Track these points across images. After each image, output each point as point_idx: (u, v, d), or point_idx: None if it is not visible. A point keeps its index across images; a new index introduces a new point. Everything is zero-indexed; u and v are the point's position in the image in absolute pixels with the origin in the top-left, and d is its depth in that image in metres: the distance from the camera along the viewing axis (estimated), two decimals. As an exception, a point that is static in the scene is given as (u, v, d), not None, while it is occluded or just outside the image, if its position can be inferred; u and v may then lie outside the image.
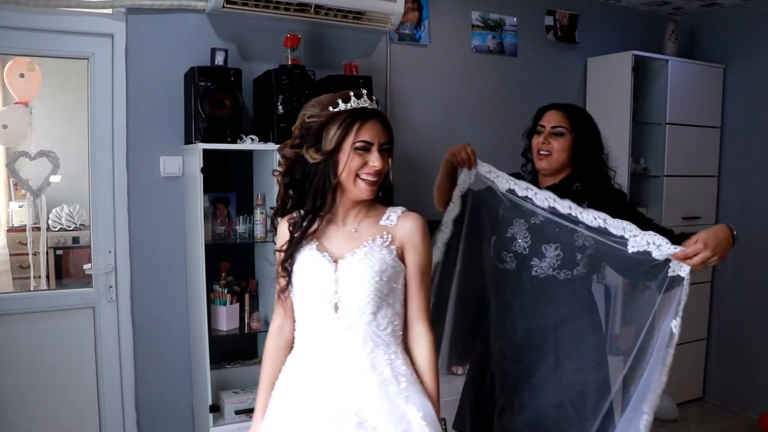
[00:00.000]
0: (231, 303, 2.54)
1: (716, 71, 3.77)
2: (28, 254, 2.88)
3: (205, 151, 2.37)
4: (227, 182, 2.67)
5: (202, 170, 2.36)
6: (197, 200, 2.39)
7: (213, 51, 2.51)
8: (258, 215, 2.56)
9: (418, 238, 1.44)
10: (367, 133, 1.37)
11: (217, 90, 2.41)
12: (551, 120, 1.84)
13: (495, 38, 3.36)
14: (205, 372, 2.42)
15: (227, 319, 2.53)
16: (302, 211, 1.44)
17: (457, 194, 1.89)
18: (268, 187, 2.53)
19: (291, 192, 1.46)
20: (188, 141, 2.53)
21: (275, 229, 1.53)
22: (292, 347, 1.51)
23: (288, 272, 1.43)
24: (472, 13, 3.28)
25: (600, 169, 1.85)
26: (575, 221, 1.64)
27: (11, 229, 3.19)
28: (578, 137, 1.82)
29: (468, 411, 1.95)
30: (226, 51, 2.52)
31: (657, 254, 1.53)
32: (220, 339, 2.53)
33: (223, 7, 2.49)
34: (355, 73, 2.77)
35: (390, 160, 1.44)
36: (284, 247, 1.44)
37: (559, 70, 3.60)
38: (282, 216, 1.49)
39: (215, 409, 2.45)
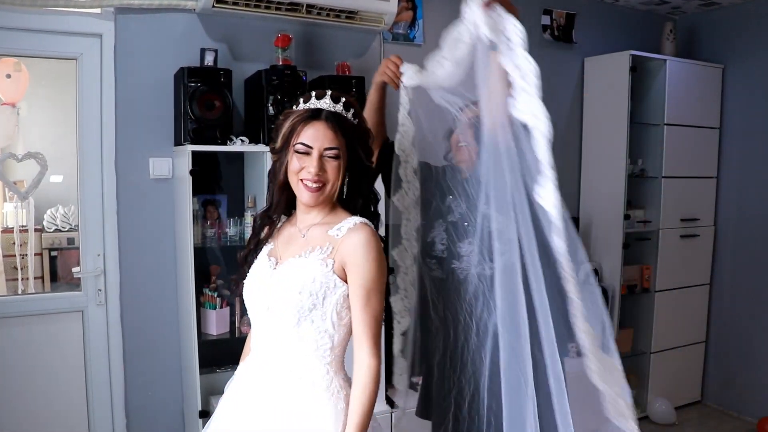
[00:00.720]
0: (221, 307, 2.51)
1: (715, 71, 3.74)
2: (20, 257, 2.85)
3: (195, 153, 2.34)
4: (218, 184, 2.64)
5: (191, 172, 2.32)
6: (186, 202, 2.36)
7: (203, 51, 2.48)
8: (249, 218, 2.52)
9: (360, 255, 1.32)
10: (308, 136, 1.33)
11: (207, 91, 2.38)
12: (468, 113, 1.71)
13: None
14: (195, 376, 2.39)
15: (217, 323, 2.50)
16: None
17: (403, 114, 1.78)
18: (259, 190, 2.50)
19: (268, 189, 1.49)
20: (178, 142, 2.49)
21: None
22: None
23: (242, 270, 1.47)
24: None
25: None
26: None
27: (5, 231, 3.16)
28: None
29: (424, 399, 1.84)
30: (216, 51, 2.49)
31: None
32: (209, 343, 2.50)
33: (213, 6, 2.46)
34: (347, 73, 2.73)
35: (339, 168, 1.35)
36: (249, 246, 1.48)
37: (556, 70, 3.56)
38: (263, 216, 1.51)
39: (205, 414, 2.42)
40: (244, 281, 1.44)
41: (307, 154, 1.34)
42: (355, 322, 1.34)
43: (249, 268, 1.44)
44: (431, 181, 1.74)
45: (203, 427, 2.36)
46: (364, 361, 1.31)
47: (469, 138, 1.63)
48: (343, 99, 1.37)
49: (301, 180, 1.35)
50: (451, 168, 1.72)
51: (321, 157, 1.33)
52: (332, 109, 1.35)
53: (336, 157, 1.34)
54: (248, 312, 1.45)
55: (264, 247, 1.46)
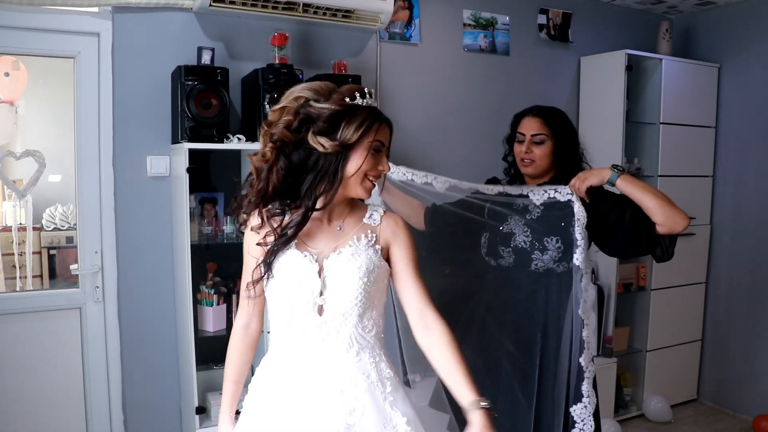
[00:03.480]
0: (218, 304, 2.53)
1: (711, 70, 3.75)
2: (18, 255, 2.86)
3: (192, 151, 2.35)
4: (215, 182, 2.65)
5: (188, 170, 2.34)
6: (184, 200, 2.37)
7: (200, 50, 2.49)
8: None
9: (403, 234, 1.43)
10: (384, 135, 1.36)
11: (204, 89, 2.39)
12: (530, 127, 1.88)
13: (487, 37, 3.34)
14: (192, 373, 2.40)
15: (214, 319, 2.51)
16: (286, 204, 1.35)
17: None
18: (256, 187, 2.51)
19: (282, 179, 1.33)
20: (175, 140, 2.51)
21: (243, 221, 1.42)
22: (256, 345, 1.50)
23: (268, 269, 1.35)
24: (463, 11, 3.26)
25: (579, 167, 1.93)
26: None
27: (4, 229, 3.17)
28: (558, 141, 1.88)
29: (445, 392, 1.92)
30: (213, 50, 2.50)
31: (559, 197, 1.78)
32: (206, 340, 2.51)
33: (210, 5, 2.47)
34: (344, 72, 2.75)
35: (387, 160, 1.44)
36: (268, 240, 1.34)
37: (552, 69, 3.58)
38: (265, 205, 1.35)
39: (202, 410, 2.44)
40: (273, 280, 1.36)
41: (380, 152, 1.36)
42: (411, 291, 1.41)
43: (271, 265, 1.36)
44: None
45: (200, 423, 2.40)
46: (437, 322, 1.39)
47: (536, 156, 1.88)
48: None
49: (368, 177, 1.36)
50: (513, 171, 1.99)
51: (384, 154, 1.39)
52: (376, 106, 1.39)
53: (385, 154, 1.41)
54: (281, 311, 1.38)
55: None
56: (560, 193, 1.77)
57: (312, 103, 1.31)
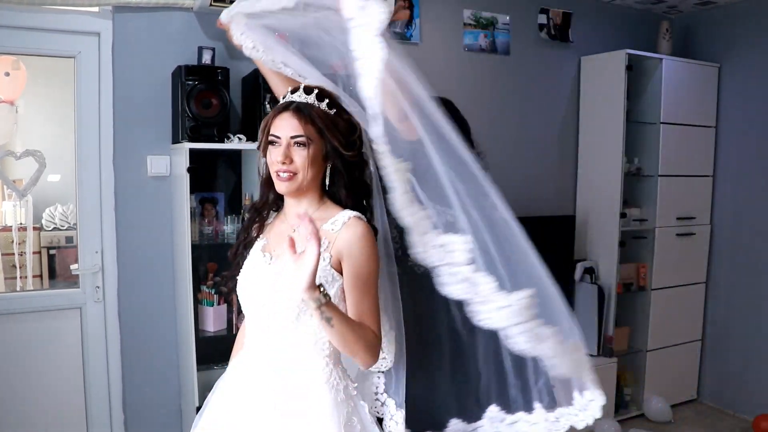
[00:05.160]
0: (218, 304, 2.53)
1: (711, 70, 3.75)
2: (18, 254, 2.86)
3: (192, 151, 2.35)
4: (215, 182, 2.65)
5: (189, 170, 2.34)
6: (184, 200, 2.37)
7: (200, 49, 2.49)
8: (246, 216, 2.53)
9: (356, 248, 1.32)
10: (276, 127, 1.34)
11: (204, 89, 2.39)
12: None
13: (487, 37, 3.34)
14: (192, 373, 2.40)
15: (214, 319, 2.51)
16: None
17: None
18: (256, 187, 2.50)
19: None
20: (175, 140, 2.51)
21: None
22: None
23: (235, 267, 1.46)
24: (463, 11, 3.26)
25: None
26: None
27: (4, 229, 3.17)
28: None
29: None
30: (213, 49, 2.51)
31: None
32: (207, 340, 2.51)
33: (211, 5, 2.47)
34: (342, 72, 2.74)
35: (308, 156, 1.32)
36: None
37: (553, 68, 3.58)
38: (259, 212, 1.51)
39: (202, 410, 2.43)
40: (238, 277, 1.43)
41: (275, 144, 1.35)
42: (355, 312, 1.33)
43: (241, 264, 1.44)
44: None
45: (200, 423, 2.40)
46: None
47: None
48: (316, 90, 1.35)
49: (275, 171, 1.36)
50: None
51: (288, 146, 1.33)
52: (303, 100, 1.34)
53: (303, 145, 1.33)
54: (243, 307, 1.45)
55: (256, 242, 1.45)
56: None
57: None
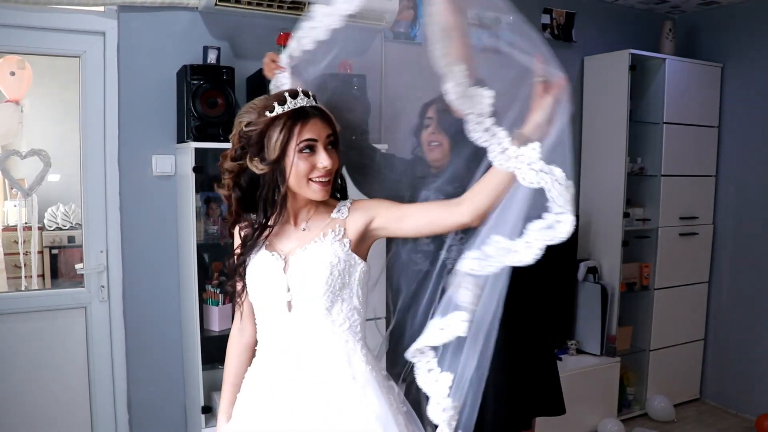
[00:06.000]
0: (223, 303, 2.52)
1: (714, 70, 3.76)
2: (22, 254, 2.86)
3: (198, 150, 2.35)
4: (220, 181, 2.64)
5: (195, 169, 2.34)
6: (189, 200, 2.37)
7: (205, 49, 2.49)
8: (251, 215, 2.53)
9: (374, 202, 1.43)
10: (312, 131, 1.32)
11: (210, 88, 2.39)
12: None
13: (491, 37, 3.33)
14: (198, 372, 2.40)
15: (219, 319, 2.51)
16: (252, 216, 1.41)
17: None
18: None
19: (238, 205, 1.42)
20: (180, 140, 2.51)
21: (231, 236, 1.50)
22: (254, 348, 1.50)
23: (242, 276, 1.42)
24: (467, 11, 3.25)
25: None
26: None
27: (6, 228, 3.17)
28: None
29: None
30: (218, 49, 2.50)
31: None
32: (212, 339, 2.50)
33: (216, 4, 2.47)
34: (349, 71, 2.74)
35: (337, 153, 1.38)
36: (237, 252, 1.42)
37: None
38: (236, 224, 1.46)
39: (207, 410, 2.43)
40: (246, 282, 1.42)
41: (313, 150, 1.32)
42: (423, 212, 1.36)
43: (244, 272, 1.42)
44: (400, 174, 1.77)
45: (205, 422, 2.40)
46: (458, 200, 1.31)
47: (443, 138, 1.71)
48: (310, 92, 1.37)
49: (311, 179, 1.33)
50: (420, 161, 1.79)
51: (326, 148, 1.34)
52: (311, 103, 1.35)
53: (335, 144, 1.37)
54: (258, 311, 1.43)
55: (256, 249, 1.42)
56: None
57: (244, 127, 1.34)
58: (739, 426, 3.59)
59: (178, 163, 2.58)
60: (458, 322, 1.30)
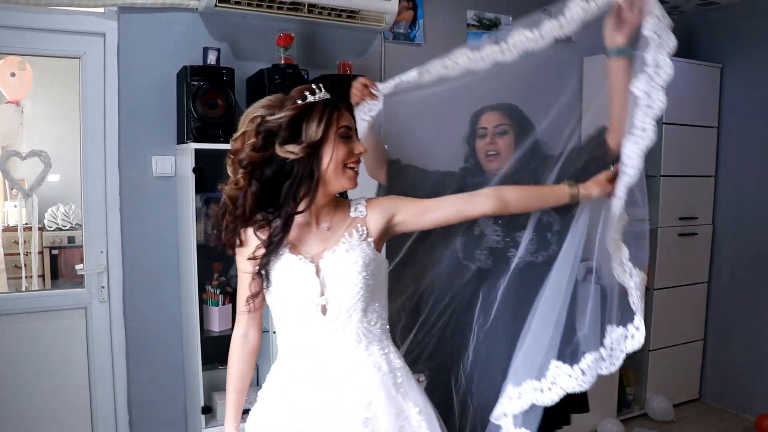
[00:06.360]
0: (223, 303, 2.53)
1: (713, 71, 3.76)
2: (23, 254, 2.87)
3: (198, 151, 2.36)
4: (220, 182, 2.64)
5: (195, 170, 2.34)
6: (189, 200, 2.38)
7: (205, 50, 2.50)
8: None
9: (393, 199, 1.48)
10: (347, 120, 1.37)
11: (210, 89, 2.40)
12: (491, 120, 1.89)
13: (491, 38, 3.34)
14: (198, 373, 2.41)
15: (219, 319, 2.52)
16: (269, 214, 1.35)
17: (366, 127, 1.74)
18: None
19: (256, 200, 1.35)
20: (180, 141, 2.51)
21: (232, 243, 1.40)
22: (257, 353, 1.49)
23: (265, 279, 1.37)
24: (467, 12, 3.26)
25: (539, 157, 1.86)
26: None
27: (6, 229, 3.18)
28: (519, 132, 1.87)
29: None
30: (218, 50, 2.51)
31: None
32: (212, 340, 2.51)
33: (216, 5, 2.47)
34: (348, 72, 2.75)
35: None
36: (258, 254, 1.35)
37: (555, 69, 3.57)
38: (247, 224, 1.37)
39: (207, 410, 2.44)
40: (273, 287, 1.37)
41: (349, 137, 1.37)
42: (447, 205, 1.46)
43: (266, 275, 1.37)
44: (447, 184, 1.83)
45: (205, 423, 2.41)
46: (487, 191, 1.49)
47: (501, 147, 1.84)
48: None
49: (347, 165, 1.36)
50: (474, 170, 1.90)
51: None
52: (328, 96, 1.39)
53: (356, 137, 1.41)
54: (284, 315, 1.39)
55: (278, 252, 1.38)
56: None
57: (268, 118, 1.33)
58: (738, 426, 3.59)
59: (178, 163, 2.58)
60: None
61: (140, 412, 2.63)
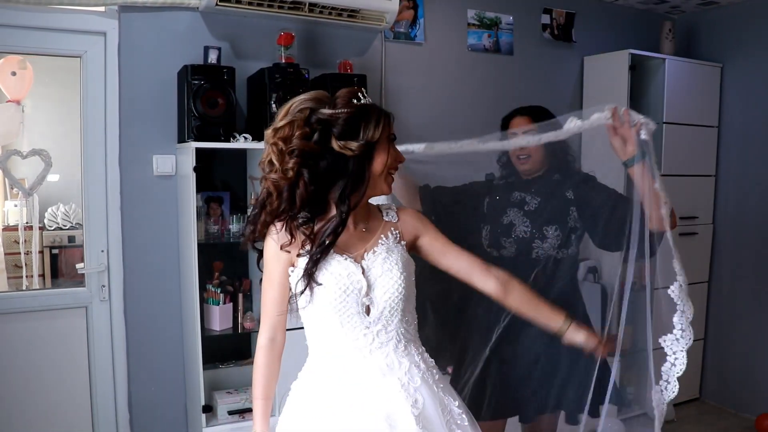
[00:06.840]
0: (224, 303, 2.53)
1: (713, 70, 3.76)
2: (23, 254, 2.87)
3: (198, 150, 2.36)
4: (220, 181, 2.66)
5: (195, 169, 2.35)
6: (190, 199, 2.38)
7: (206, 49, 2.50)
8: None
9: (427, 220, 1.52)
10: (393, 127, 1.40)
11: (210, 88, 2.40)
12: (521, 125, 1.96)
13: (491, 37, 3.35)
14: (198, 372, 2.40)
15: (220, 318, 2.52)
16: (306, 214, 1.33)
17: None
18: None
19: (310, 190, 1.31)
20: (181, 140, 2.51)
21: (258, 234, 1.36)
22: (281, 357, 1.45)
23: (311, 280, 1.34)
24: (467, 11, 3.26)
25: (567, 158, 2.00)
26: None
27: (6, 228, 3.18)
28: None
29: None
30: (219, 49, 2.51)
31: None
32: (213, 339, 2.51)
33: (217, 5, 2.47)
34: (349, 71, 2.75)
35: None
36: (302, 252, 1.33)
37: (556, 68, 3.59)
38: (282, 220, 1.33)
39: (208, 409, 2.44)
40: (321, 286, 1.34)
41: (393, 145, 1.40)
42: (468, 256, 1.50)
43: (313, 275, 1.34)
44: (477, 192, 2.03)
45: (206, 422, 2.41)
46: (507, 274, 1.52)
47: (533, 150, 1.93)
48: None
49: (390, 171, 1.39)
50: (507, 171, 2.03)
51: None
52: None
53: None
54: (329, 320, 1.37)
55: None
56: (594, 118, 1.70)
57: (322, 110, 1.32)
58: (738, 426, 3.59)
59: (178, 162, 2.58)
60: None
61: (141, 411, 2.62)
